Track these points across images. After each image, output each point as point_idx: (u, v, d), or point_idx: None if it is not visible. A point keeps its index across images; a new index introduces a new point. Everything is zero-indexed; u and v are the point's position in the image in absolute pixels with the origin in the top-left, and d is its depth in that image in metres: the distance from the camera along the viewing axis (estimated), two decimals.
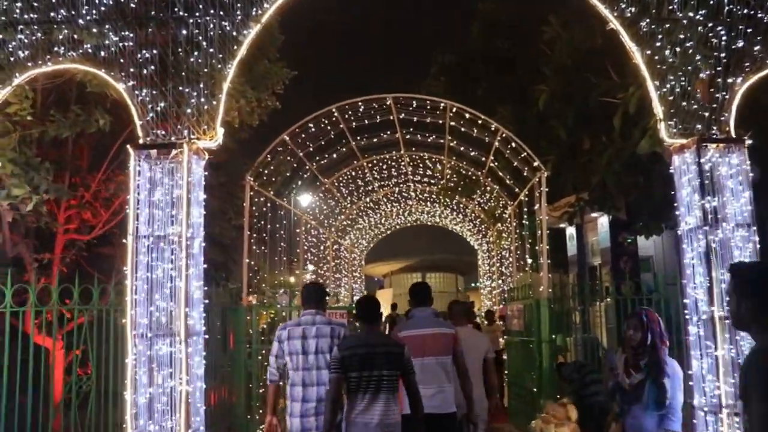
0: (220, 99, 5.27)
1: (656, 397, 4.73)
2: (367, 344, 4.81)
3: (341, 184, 15.54)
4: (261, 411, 10.82)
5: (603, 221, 17.03)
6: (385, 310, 25.03)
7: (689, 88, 5.40)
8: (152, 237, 5.06)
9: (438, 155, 14.37)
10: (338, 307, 10.66)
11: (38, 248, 8.68)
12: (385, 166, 15.30)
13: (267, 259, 11.24)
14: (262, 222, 11.26)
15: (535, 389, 9.75)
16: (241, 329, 9.89)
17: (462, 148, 12.93)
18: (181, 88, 5.25)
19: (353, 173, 15.11)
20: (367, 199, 18.25)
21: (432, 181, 16.81)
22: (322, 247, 17.27)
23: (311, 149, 11.94)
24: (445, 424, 5.53)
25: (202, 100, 5.25)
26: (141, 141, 5.22)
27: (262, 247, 11.24)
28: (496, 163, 12.64)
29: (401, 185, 17.68)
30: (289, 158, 11.68)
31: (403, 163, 15.32)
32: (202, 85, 5.24)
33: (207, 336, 5.58)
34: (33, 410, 6.18)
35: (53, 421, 6.17)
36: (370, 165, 14.99)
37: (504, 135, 10.63)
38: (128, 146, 5.21)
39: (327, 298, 6.08)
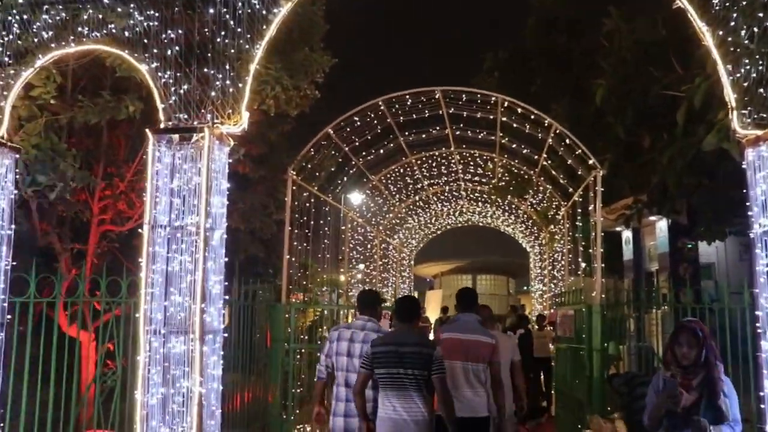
0: (247, 81, 4.96)
1: (712, 420, 4.20)
2: (398, 343, 4.95)
3: (389, 182, 15.18)
4: (297, 411, 10.60)
5: (662, 225, 16.29)
6: (436, 311, 24.70)
7: (767, 73, 4.84)
8: (170, 227, 4.77)
9: (489, 153, 13.86)
10: (383, 308, 10.33)
11: (72, 239, 8.59)
12: (434, 164, 14.87)
13: (309, 256, 10.95)
14: (305, 218, 10.97)
15: (583, 400, 9.22)
16: (279, 327, 9.63)
17: (514, 146, 12.41)
18: (206, 69, 4.97)
19: (401, 170, 14.72)
20: (416, 198, 17.86)
21: (483, 180, 16.30)
22: (369, 246, 16.96)
23: (357, 144, 11.61)
24: (478, 427, 5.63)
25: (228, 82, 4.95)
26: (162, 125, 4.95)
27: (304, 244, 10.95)
28: (549, 162, 12.09)
29: (451, 183, 17.22)
30: (334, 153, 11.37)
31: (453, 161, 14.87)
32: (228, 67, 4.94)
33: (232, 332, 5.27)
34: (59, 402, 5.99)
35: (76, 414, 5.96)
36: (419, 162, 14.58)
37: (558, 131, 10.09)
38: (147, 130, 4.95)
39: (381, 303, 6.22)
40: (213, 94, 4.96)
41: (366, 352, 5.06)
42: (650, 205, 12.61)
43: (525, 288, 40.58)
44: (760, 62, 4.91)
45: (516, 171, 14.20)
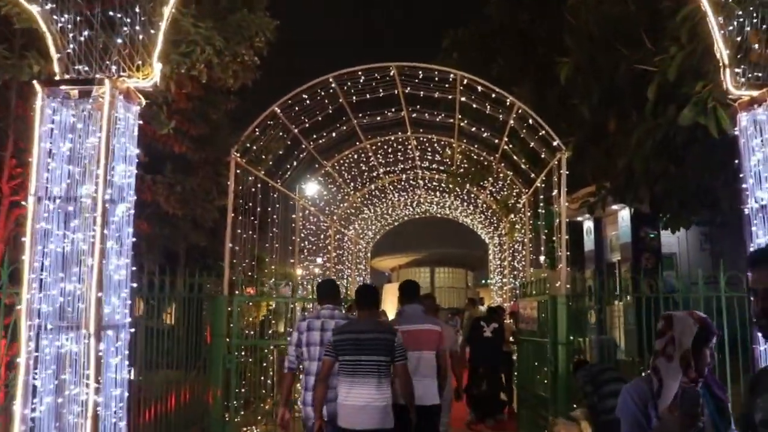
0: (160, 27, 4.13)
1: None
2: (360, 330, 5.07)
3: (343, 168, 14.41)
4: (242, 412, 9.83)
5: (624, 214, 15.86)
6: (393, 304, 23.93)
7: (764, 27, 4.20)
8: (60, 199, 3.93)
9: (448, 138, 13.22)
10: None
11: None
12: (390, 150, 14.15)
13: (257, 246, 10.13)
14: (250, 204, 10.16)
15: (547, 396, 8.64)
16: (221, 321, 8.84)
17: (474, 129, 11.77)
18: (111, 13, 4.14)
19: (356, 156, 13.98)
20: (372, 187, 17.13)
21: (441, 168, 15.65)
22: (322, 236, 16.18)
23: (307, 125, 10.82)
24: (433, 414, 5.98)
25: (137, 28, 4.13)
26: (57, 78, 4.10)
27: (251, 233, 10.14)
28: (510, 146, 11.49)
29: (408, 172, 16.53)
30: (282, 134, 10.57)
31: (409, 147, 14.17)
32: (138, 10, 4.13)
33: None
34: None
35: None
36: (374, 147, 13.86)
37: (520, 111, 9.48)
38: (35, 82, 4.09)
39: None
40: (119, 41, 4.13)
41: (328, 340, 5.15)
42: (614, 193, 12.08)
43: (483, 281, 40.30)
44: (755, 15, 4.28)
45: (475, 157, 13.58)
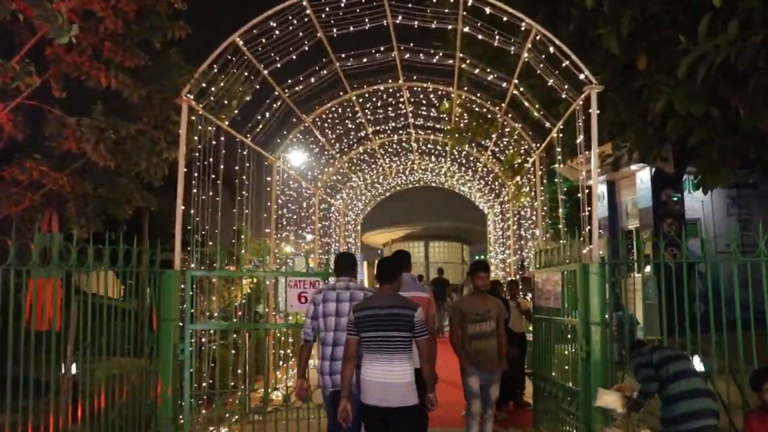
0: None
1: None
2: (381, 306, 4.98)
3: (326, 125, 12.59)
4: (203, 411, 8.17)
5: (643, 176, 14.13)
6: None
7: None
8: None
9: (446, 87, 11.44)
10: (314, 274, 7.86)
11: None
12: (379, 103, 12.35)
13: (209, 207, 8.33)
14: (211, 160, 8.39)
15: (576, 389, 6.98)
16: (169, 302, 7.11)
17: (477, 70, 9.97)
18: None
19: (340, 111, 12.16)
20: (360, 150, 15.34)
21: (437, 126, 13.86)
22: (305, 204, 14.41)
23: (279, 65, 9.00)
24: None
25: None
26: None
27: (210, 193, 8.38)
28: (521, 90, 9.71)
29: (400, 132, 14.76)
30: (249, 76, 8.77)
31: (401, 100, 12.37)
32: None
33: None
34: None
35: None
36: (360, 100, 12.05)
37: (538, 37, 7.70)
38: None
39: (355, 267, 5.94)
40: None
41: (349, 317, 5.11)
42: (636, 148, 10.40)
43: (481, 256, 38.68)
44: None
45: (477, 109, 11.80)
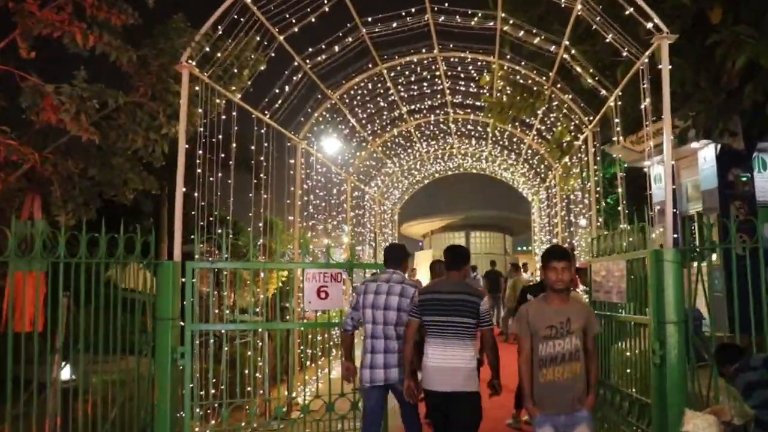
0: None
1: None
2: (446, 291, 4.99)
3: (355, 103, 11.53)
4: (212, 423, 7.23)
5: (706, 154, 12.73)
6: (425, 272, 21.03)
7: None
8: None
9: (486, 56, 10.27)
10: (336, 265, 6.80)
11: None
12: (413, 78, 11.25)
13: (218, 189, 7.30)
14: (220, 137, 7.38)
15: (647, 400, 5.82)
16: (167, 297, 6.14)
17: (522, 33, 8.78)
18: None
19: (370, 86, 11.09)
20: (395, 132, 14.25)
21: (477, 103, 12.68)
22: (335, 192, 13.39)
23: (296, 29, 7.95)
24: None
25: None
26: None
27: (220, 175, 7.38)
28: (572, 53, 8.51)
29: (437, 112, 13.64)
30: (262, 41, 7.75)
31: (438, 73, 11.24)
32: None
33: None
34: None
35: None
36: (392, 74, 10.96)
37: None
38: None
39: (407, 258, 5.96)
40: None
41: (414, 299, 5.16)
42: (708, 117, 9.10)
43: (523, 248, 37.28)
44: None
45: (522, 82, 10.60)
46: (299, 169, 10.42)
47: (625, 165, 13.10)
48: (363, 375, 5.48)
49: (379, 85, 11.19)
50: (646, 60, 6.62)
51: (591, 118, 9.65)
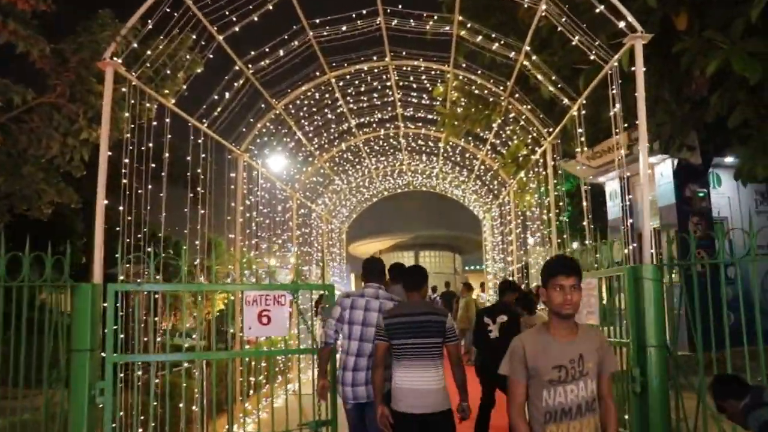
0: None
1: None
2: (411, 313, 4.92)
3: (302, 114, 10.87)
4: None
5: (663, 170, 12.50)
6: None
7: None
8: None
9: (440, 65, 9.76)
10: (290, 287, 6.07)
11: None
12: (363, 88, 10.65)
13: (147, 200, 6.51)
14: (150, 145, 6.62)
15: None
16: (83, 324, 5.33)
17: (480, 37, 8.30)
18: None
19: (317, 96, 10.45)
20: (343, 146, 13.63)
21: (430, 116, 12.18)
22: (280, 209, 12.65)
23: (237, 29, 7.28)
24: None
25: None
26: None
27: (150, 187, 6.60)
28: (531, 61, 8.05)
29: (387, 125, 13.09)
30: (199, 41, 7.05)
31: (389, 83, 10.68)
32: None
33: None
34: None
35: None
36: (341, 83, 10.35)
37: None
38: None
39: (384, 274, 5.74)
40: None
41: (379, 323, 5.00)
42: (670, 130, 8.77)
43: (474, 267, 36.95)
44: None
45: (477, 92, 10.12)
46: (240, 183, 9.68)
47: (581, 181, 12.78)
48: (346, 393, 5.29)
49: (327, 95, 10.57)
50: (615, 64, 6.17)
51: (550, 129, 9.21)
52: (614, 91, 6.24)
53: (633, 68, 5.60)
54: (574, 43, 6.62)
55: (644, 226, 5.53)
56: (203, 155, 8.08)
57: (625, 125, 7.01)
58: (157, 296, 6.34)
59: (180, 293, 7.07)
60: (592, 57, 6.50)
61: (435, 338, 4.82)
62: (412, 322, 4.84)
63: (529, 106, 9.30)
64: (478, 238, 21.26)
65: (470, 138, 13.04)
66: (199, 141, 8.02)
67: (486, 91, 9.83)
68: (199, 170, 8.00)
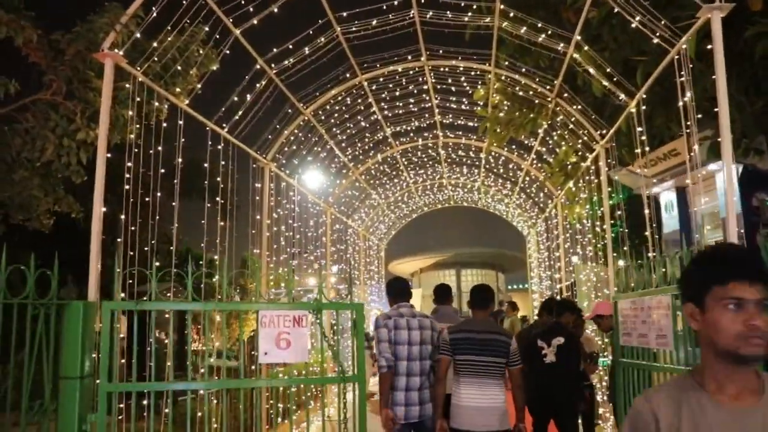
0: None
1: None
2: (477, 330, 5.02)
3: (332, 121, 10.19)
4: None
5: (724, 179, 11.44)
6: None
7: None
8: None
9: (480, 64, 8.99)
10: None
11: None
12: (398, 92, 9.93)
13: (155, 214, 5.83)
14: (160, 148, 5.96)
15: None
16: (74, 347, 4.66)
17: (524, 30, 7.50)
18: None
19: (349, 101, 9.75)
20: (379, 158, 12.91)
21: (470, 123, 11.40)
22: (312, 223, 11.97)
23: (255, 21, 6.63)
24: None
25: None
26: None
27: (160, 194, 5.94)
28: (582, 52, 7.22)
29: (425, 134, 12.34)
30: (213, 34, 6.42)
31: (425, 87, 9.94)
32: None
33: None
34: None
35: None
36: (374, 87, 9.65)
37: None
38: None
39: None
40: None
41: (444, 338, 5.12)
42: (746, 126, 7.83)
43: (517, 286, 35.79)
44: None
45: (522, 94, 9.31)
46: (267, 195, 9.01)
47: (638, 190, 11.84)
48: (397, 413, 5.24)
49: (359, 100, 9.87)
50: (684, 46, 5.32)
51: (603, 132, 8.34)
52: (683, 78, 5.38)
53: (707, 49, 4.75)
54: (634, 25, 5.76)
55: (730, 227, 4.62)
56: (223, 163, 7.42)
57: (688, 125, 6.14)
58: (186, 317, 5.65)
59: (212, 313, 6.42)
60: (655, 40, 5.64)
61: (499, 358, 4.91)
62: (476, 339, 4.95)
63: (579, 107, 8.44)
64: (522, 255, 20.29)
65: (514, 147, 12.21)
66: (219, 147, 7.37)
67: (531, 92, 9.01)
68: (218, 179, 7.34)
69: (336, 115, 9.87)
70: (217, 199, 7.31)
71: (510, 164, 13.13)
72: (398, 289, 5.67)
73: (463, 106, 10.62)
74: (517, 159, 12.56)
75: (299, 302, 5.47)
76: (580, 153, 9.63)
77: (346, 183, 13.05)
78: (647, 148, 7.74)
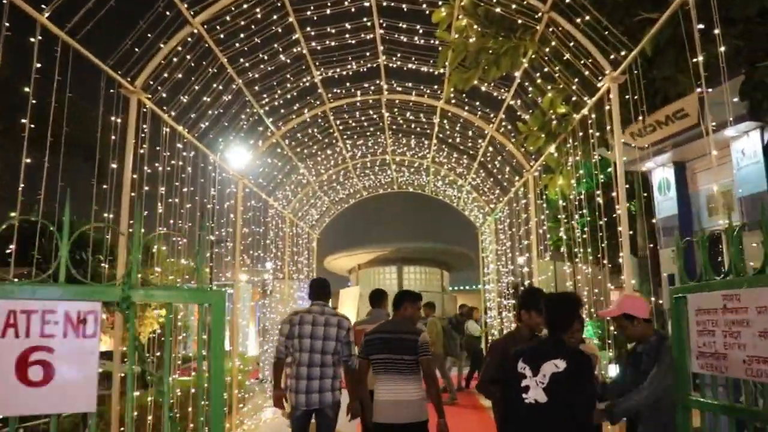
0: None
1: None
2: (388, 331, 5.25)
3: (236, 44, 7.38)
4: None
5: (746, 146, 9.03)
6: (351, 312, 16.67)
7: None
8: None
9: None
10: None
11: None
12: (330, 11, 7.21)
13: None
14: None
15: None
16: None
17: None
18: None
19: (260, 14, 6.98)
20: (307, 115, 10.16)
21: (425, 68, 8.76)
22: (226, 205, 9.14)
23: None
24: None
25: None
26: None
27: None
28: None
29: (367, 84, 9.68)
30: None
31: (367, 2, 7.26)
32: None
33: None
34: None
35: None
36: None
37: None
38: None
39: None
40: None
41: (362, 341, 5.36)
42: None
43: (462, 287, 33.41)
44: None
45: (502, 12, 6.71)
46: (132, 135, 6.16)
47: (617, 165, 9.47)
48: (298, 400, 5.54)
49: (275, 16, 7.13)
50: None
51: (618, 56, 5.81)
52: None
53: None
54: None
55: None
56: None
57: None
58: None
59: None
60: None
61: (408, 355, 5.05)
62: (385, 339, 5.15)
63: (585, 18, 5.89)
64: (471, 253, 17.76)
65: (478, 104, 9.67)
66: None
67: (514, 6, 6.42)
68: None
69: (242, 35, 7.08)
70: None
71: (470, 130, 10.56)
72: (316, 289, 5.97)
73: (417, 42, 7.99)
74: (480, 122, 10.00)
75: (84, 284, 2.60)
76: (574, 99, 7.11)
77: (263, 146, 10.22)
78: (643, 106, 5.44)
